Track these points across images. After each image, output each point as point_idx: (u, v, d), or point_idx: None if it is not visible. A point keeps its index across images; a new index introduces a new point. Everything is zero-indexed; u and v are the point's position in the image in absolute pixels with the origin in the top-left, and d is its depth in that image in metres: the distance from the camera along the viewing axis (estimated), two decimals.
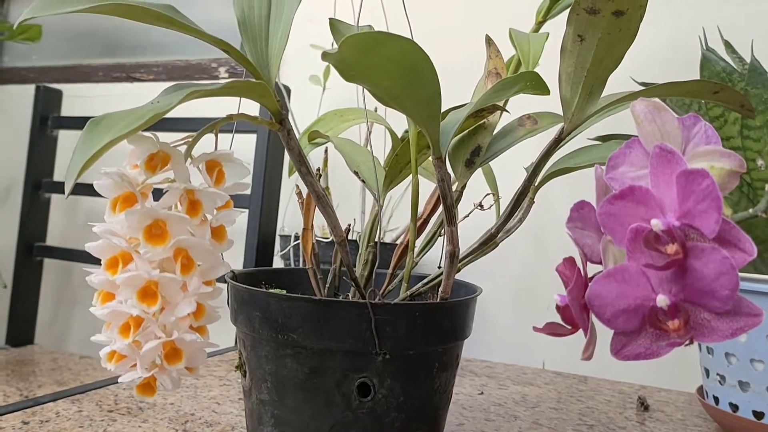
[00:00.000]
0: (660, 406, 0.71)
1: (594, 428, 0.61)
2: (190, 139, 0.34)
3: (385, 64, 0.35)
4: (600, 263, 0.31)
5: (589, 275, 0.30)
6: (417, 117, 0.40)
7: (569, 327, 0.30)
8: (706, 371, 0.63)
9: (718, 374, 0.60)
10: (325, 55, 0.32)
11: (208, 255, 0.33)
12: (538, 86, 0.48)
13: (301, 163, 0.40)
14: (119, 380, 0.32)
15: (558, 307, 0.30)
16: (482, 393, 0.72)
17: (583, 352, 0.29)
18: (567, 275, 0.32)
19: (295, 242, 1.01)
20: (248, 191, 1.03)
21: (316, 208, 0.56)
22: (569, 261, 0.31)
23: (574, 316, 0.29)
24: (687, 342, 0.27)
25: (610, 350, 0.29)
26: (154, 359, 0.32)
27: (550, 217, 1.08)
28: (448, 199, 0.43)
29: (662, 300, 0.27)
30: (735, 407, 0.59)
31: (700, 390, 0.66)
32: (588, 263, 0.31)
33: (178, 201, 0.32)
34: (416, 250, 0.56)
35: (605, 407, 0.69)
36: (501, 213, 0.53)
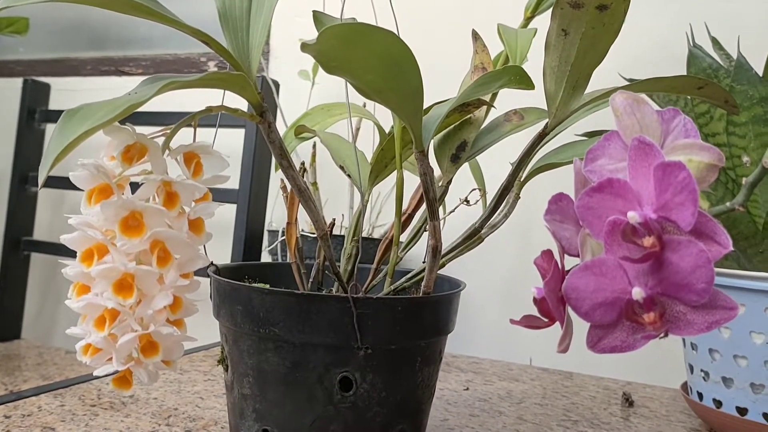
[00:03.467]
0: (644, 402, 0.71)
1: (578, 424, 0.62)
2: (168, 131, 0.34)
3: (367, 56, 0.35)
4: (577, 256, 0.31)
5: (567, 268, 0.30)
6: (400, 111, 0.40)
7: (546, 320, 0.30)
8: (690, 367, 0.63)
9: (702, 370, 0.60)
10: (305, 46, 0.32)
11: (186, 247, 0.32)
12: (523, 81, 0.47)
13: (282, 157, 0.40)
14: (94, 373, 0.32)
15: (535, 300, 0.30)
16: (467, 389, 0.72)
17: (558, 344, 0.29)
18: (545, 268, 0.31)
19: (283, 237, 1.01)
20: (236, 186, 1.03)
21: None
22: (547, 254, 0.31)
23: (550, 308, 0.29)
24: (662, 335, 0.27)
25: (587, 343, 0.29)
26: (130, 352, 0.32)
27: (536, 213, 1.08)
28: (430, 194, 0.42)
29: (638, 293, 0.27)
30: (719, 403, 0.59)
31: (685, 386, 0.67)
32: (566, 256, 0.31)
33: (155, 193, 0.32)
34: (401, 245, 0.56)
35: (590, 403, 0.69)
36: (485, 209, 0.53)
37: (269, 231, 1.06)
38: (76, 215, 0.32)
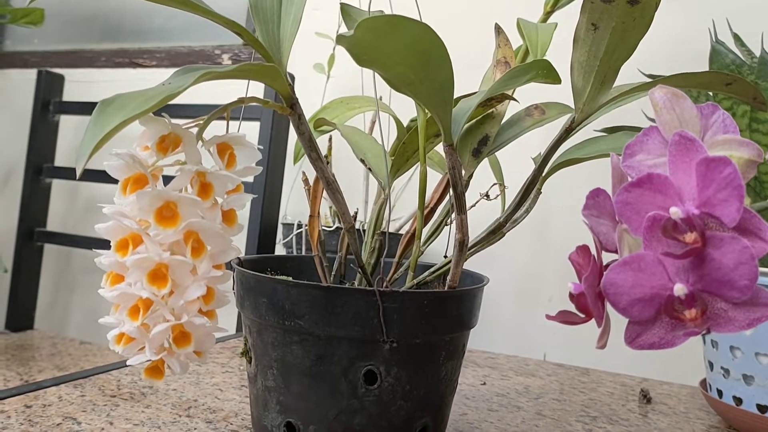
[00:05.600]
0: (662, 398, 0.71)
1: (597, 419, 0.61)
2: (201, 122, 0.34)
3: (399, 48, 0.34)
4: (614, 252, 0.30)
5: (604, 263, 0.30)
6: (429, 103, 0.39)
7: (583, 315, 0.30)
8: (710, 364, 0.63)
9: (722, 367, 0.60)
10: (340, 39, 0.32)
11: (219, 239, 0.32)
12: (550, 75, 0.47)
13: (311, 149, 0.40)
14: (127, 363, 0.32)
15: (571, 295, 0.30)
16: (485, 383, 0.72)
17: (597, 340, 0.29)
18: (580, 263, 0.31)
19: (298, 230, 1.01)
20: (251, 179, 1.03)
21: (323, 195, 0.56)
22: (583, 249, 0.31)
23: (588, 304, 0.29)
24: (705, 331, 0.27)
25: (625, 339, 0.29)
26: (162, 342, 0.32)
27: (552, 210, 1.08)
28: (458, 187, 0.42)
29: (680, 289, 0.26)
30: (739, 401, 0.58)
31: (704, 383, 0.66)
32: (603, 252, 0.31)
33: (189, 183, 0.32)
34: (422, 239, 0.56)
35: (608, 399, 0.69)
36: (509, 203, 0.53)
37: (284, 224, 1.06)
38: (110, 205, 0.32)
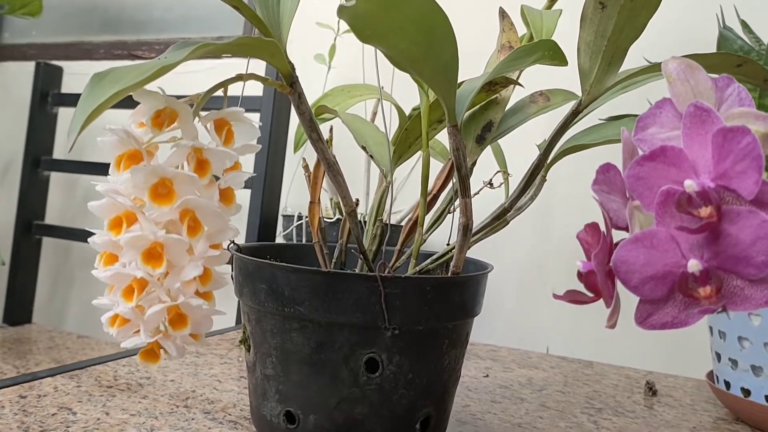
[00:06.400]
0: (668, 391, 0.70)
1: (602, 411, 0.60)
2: (197, 98, 0.33)
3: (403, 22, 0.33)
4: (625, 229, 0.29)
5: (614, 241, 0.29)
6: (434, 82, 0.38)
7: (592, 294, 0.29)
8: (717, 355, 0.62)
9: (729, 359, 0.59)
10: (341, 10, 0.31)
11: (216, 218, 0.31)
12: (556, 56, 0.46)
13: (312, 129, 0.38)
14: (122, 345, 0.31)
15: (580, 274, 0.29)
16: (487, 375, 0.71)
17: (607, 319, 0.28)
18: (588, 242, 0.30)
19: (298, 222, 1.00)
20: (251, 170, 1.02)
21: (323, 182, 0.55)
22: (592, 227, 0.30)
23: (598, 282, 0.28)
24: (719, 310, 0.26)
25: (635, 319, 0.28)
26: (158, 325, 0.31)
27: (554, 200, 1.07)
28: (462, 170, 0.41)
29: (694, 265, 0.25)
30: (747, 392, 0.57)
31: (710, 375, 0.65)
32: (613, 229, 0.30)
33: (185, 160, 0.31)
34: (425, 226, 0.55)
35: (612, 391, 0.68)
36: (514, 189, 0.52)
37: (284, 216, 1.05)
38: (103, 183, 0.31)
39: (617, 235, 0.29)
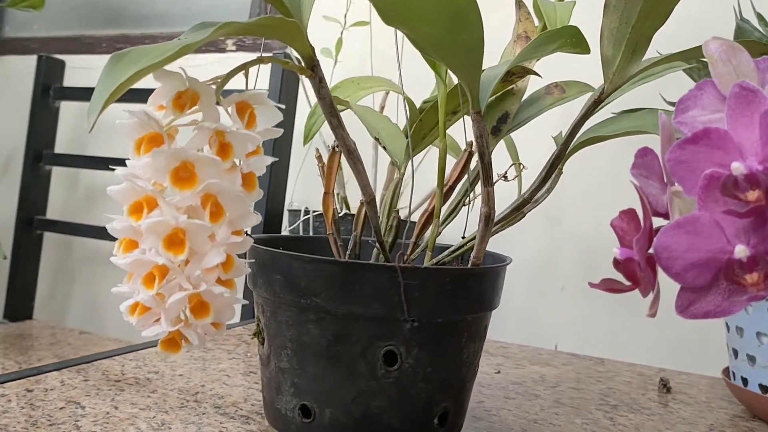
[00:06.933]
0: (682, 388, 0.69)
1: (617, 408, 0.59)
2: (218, 80, 0.32)
3: (428, 4, 0.32)
4: (663, 215, 0.28)
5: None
6: (458, 66, 0.37)
7: (629, 283, 0.28)
8: (734, 352, 0.61)
9: (747, 355, 0.58)
10: None
11: (239, 203, 0.30)
12: (579, 43, 0.45)
13: (332, 115, 0.37)
14: (143, 334, 0.30)
15: (617, 262, 0.28)
16: (499, 372, 0.70)
17: (649, 308, 0.27)
18: (624, 228, 0.29)
19: (305, 217, 0.99)
20: None
21: (336, 177, 0.54)
22: (628, 213, 0.29)
23: (637, 269, 0.27)
24: None
25: (676, 308, 0.27)
26: (179, 313, 0.30)
27: (565, 198, 1.06)
28: (485, 157, 0.40)
29: (741, 251, 0.24)
30: (765, 389, 0.57)
31: (726, 371, 0.65)
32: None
33: (207, 143, 0.30)
34: (440, 218, 0.54)
35: (626, 388, 0.67)
36: (531, 181, 0.51)
37: (290, 210, 1.04)
38: (121, 167, 0.30)
39: (655, 222, 0.28)
